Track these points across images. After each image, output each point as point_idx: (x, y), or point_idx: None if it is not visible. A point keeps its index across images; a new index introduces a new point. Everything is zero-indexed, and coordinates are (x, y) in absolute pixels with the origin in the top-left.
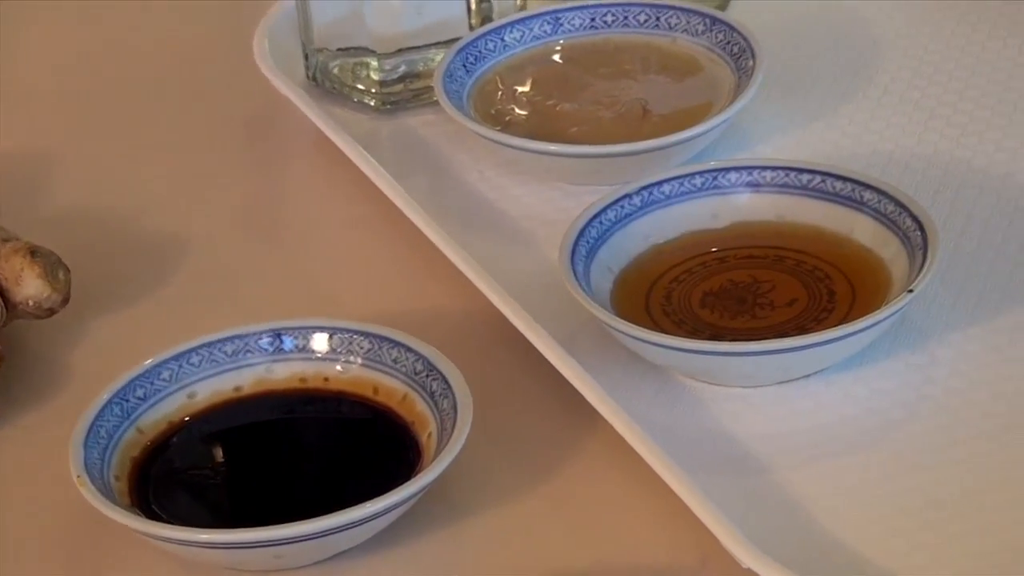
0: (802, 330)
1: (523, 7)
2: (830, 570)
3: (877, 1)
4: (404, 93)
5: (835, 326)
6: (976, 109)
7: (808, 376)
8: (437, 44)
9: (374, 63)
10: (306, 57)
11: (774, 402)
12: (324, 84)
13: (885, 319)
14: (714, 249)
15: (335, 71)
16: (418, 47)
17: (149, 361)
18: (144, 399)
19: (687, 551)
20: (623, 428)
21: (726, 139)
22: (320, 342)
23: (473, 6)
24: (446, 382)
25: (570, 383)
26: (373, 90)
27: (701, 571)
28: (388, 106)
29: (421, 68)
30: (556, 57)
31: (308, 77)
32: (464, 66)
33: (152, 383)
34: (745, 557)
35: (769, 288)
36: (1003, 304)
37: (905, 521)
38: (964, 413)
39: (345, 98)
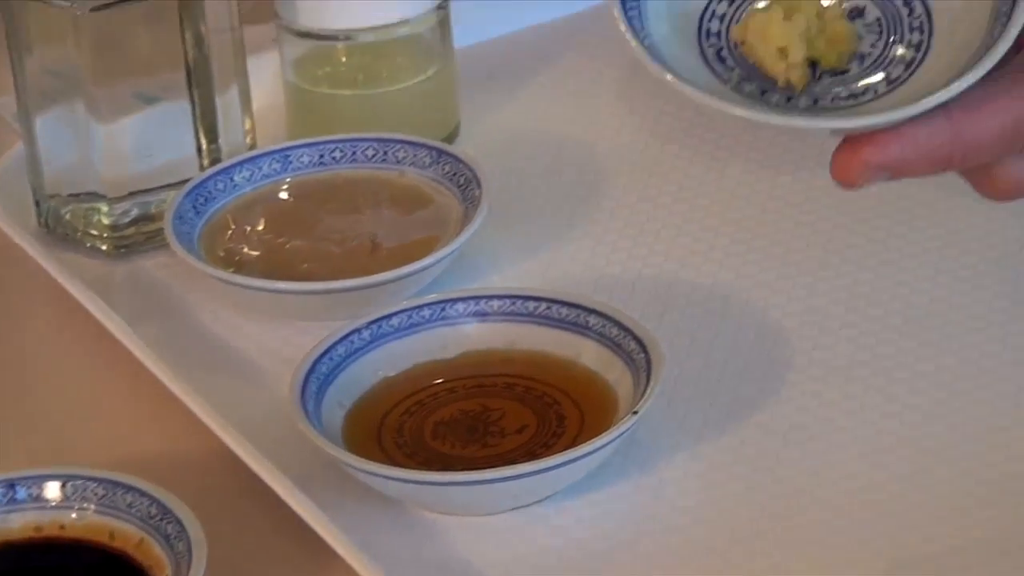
0: (532, 456)
1: (253, 146)
2: None
3: (600, 129)
4: (137, 236)
5: (564, 451)
6: (700, 230)
7: (541, 501)
8: (168, 186)
9: (104, 208)
10: (37, 204)
11: (508, 529)
12: (57, 230)
13: (610, 442)
14: (443, 380)
15: (67, 217)
16: (149, 189)
17: None
18: None
19: None
20: (358, 564)
21: (456, 269)
22: (53, 490)
23: (203, 147)
24: (180, 525)
25: (305, 521)
26: (105, 235)
27: None
28: (121, 250)
29: (153, 210)
30: (286, 194)
31: (40, 224)
32: (194, 207)
33: None
34: None
35: (499, 416)
36: (727, 423)
37: None
38: (692, 532)
39: (78, 243)
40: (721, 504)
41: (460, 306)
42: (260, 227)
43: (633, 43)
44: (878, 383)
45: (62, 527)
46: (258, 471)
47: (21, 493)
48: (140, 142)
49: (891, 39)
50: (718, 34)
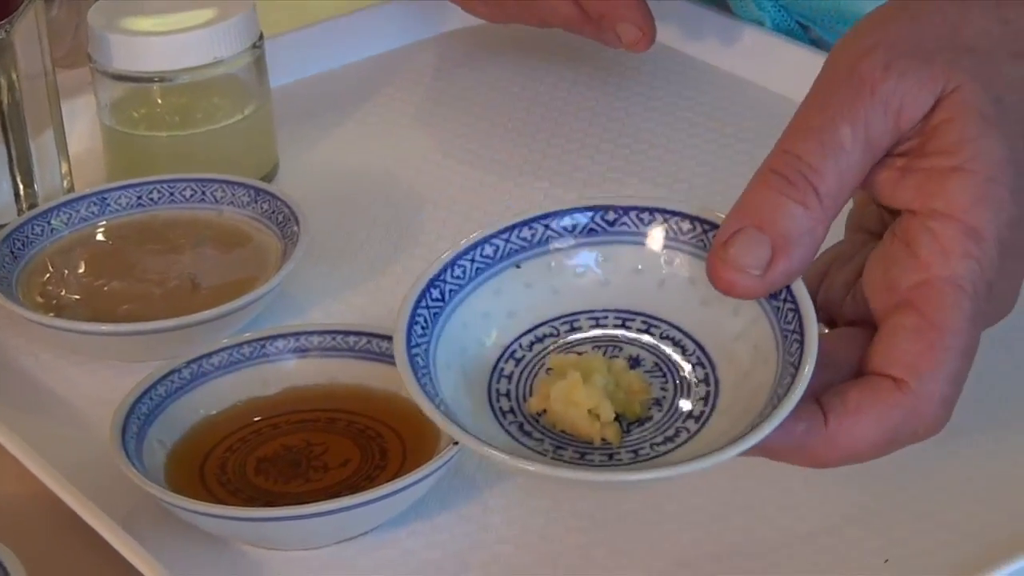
0: (354, 489)
1: (70, 189)
2: None
3: (418, 163)
4: None
5: (386, 483)
6: None
7: (366, 533)
8: None
9: None
10: None
11: (333, 563)
12: None
13: (432, 473)
14: (265, 416)
15: None
16: None
17: None
18: None
19: None
20: None
21: (277, 306)
22: None
23: (20, 192)
24: (3, 569)
25: (129, 561)
26: None
27: None
28: None
29: None
30: (104, 236)
31: None
32: (12, 252)
33: None
34: None
35: (323, 451)
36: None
37: None
38: (517, 560)
39: None
40: (546, 531)
41: (280, 343)
42: (79, 270)
43: (431, 410)
44: None
45: None
46: (80, 512)
47: None
48: None
49: (676, 379)
50: (512, 411)
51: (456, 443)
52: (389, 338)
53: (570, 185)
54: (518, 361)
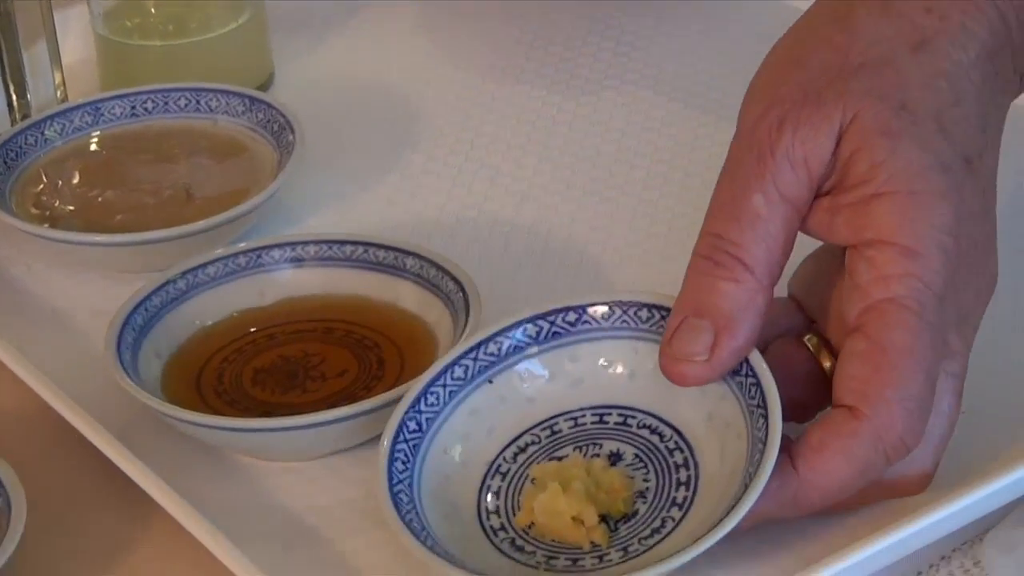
0: (352, 399)
1: (64, 100)
2: None
3: (415, 71)
4: None
5: (383, 393)
6: (517, 169)
7: (364, 443)
8: None
9: None
10: None
11: (328, 473)
12: None
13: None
14: (262, 327)
15: None
16: None
17: None
18: None
19: None
20: (178, 510)
21: (273, 216)
22: None
23: (13, 102)
24: (0, 484)
25: (125, 472)
26: None
27: None
28: None
29: None
30: (98, 147)
31: None
32: (5, 163)
33: None
34: None
35: (319, 361)
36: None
37: None
38: None
39: None
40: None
41: (276, 252)
42: (73, 180)
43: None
44: None
45: None
46: (75, 423)
47: None
48: None
49: (657, 467)
50: (503, 527)
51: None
52: (386, 247)
53: (568, 93)
54: (504, 475)
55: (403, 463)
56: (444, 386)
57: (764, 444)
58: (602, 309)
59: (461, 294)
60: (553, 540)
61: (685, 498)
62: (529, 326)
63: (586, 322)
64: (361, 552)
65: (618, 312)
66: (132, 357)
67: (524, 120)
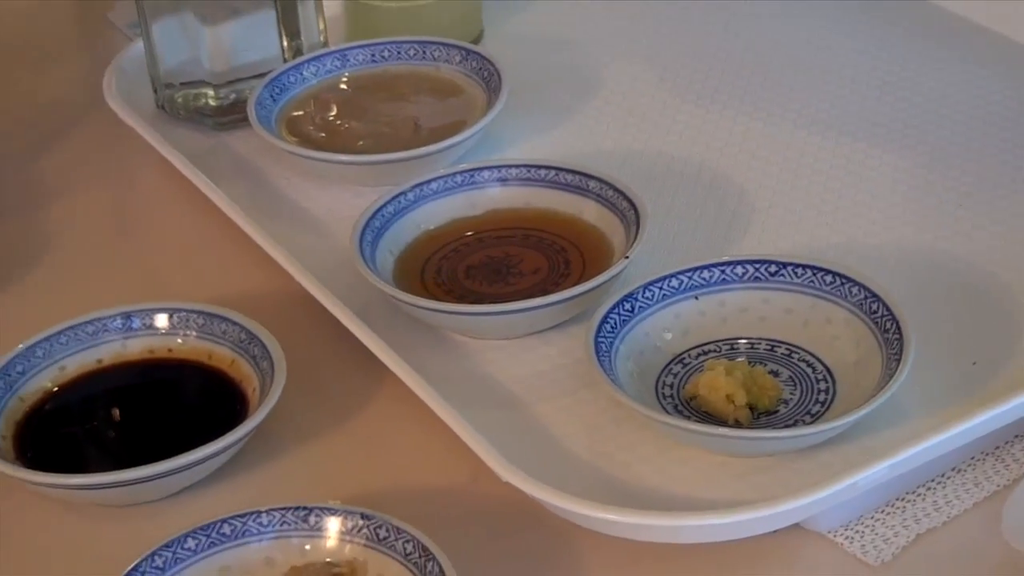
0: (545, 292)
1: (326, 44)
2: (569, 478)
3: (595, 29)
4: (235, 115)
5: (570, 287)
6: (678, 113)
7: (552, 327)
8: (259, 75)
9: (211, 92)
10: (155, 91)
11: (525, 350)
12: (171, 111)
13: (607, 280)
14: (473, 232)
15: (179, 100)
16: (245, 79)
17: (22, 344)
18: (23, 373)
19: (461, 471)
20: (406, 376)
21: (482, 145)
22: (162, 320)
23: (286, 44)
24: (265, 348)
25: (364, 344)
26: (210, 114)
27: (472, 486)
28: (222, 127)
29: (247, 96)
30: (345, 86)
31: (157, 106)
32: (271, 96)
33: (28, 360)
34: (504, 473)
35: (518, 261)
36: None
37: (628, 438)
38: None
39: (185, 121)
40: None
41: (486, 173)
42: (324, 112)
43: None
44: (832, 236)
45: (170, 350)
46: (325, 303)
47: (136, 323)
48: (238, 41)
49: (803, 389)
50: (671, 396)
51: (627, 257)
52: (573, 171)
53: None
54: (685, 365)
55: (611, 328)
56: (660, 289)
57: (891, 376)
58: (799, 269)
59: (633, 211)
60: (706, 412)
61: (819, 411)
62: (739, 267)
63: (782, 276)
64: (551, 414)
65: (808, 273)
66: (371, 252)
67: (698, 68)
